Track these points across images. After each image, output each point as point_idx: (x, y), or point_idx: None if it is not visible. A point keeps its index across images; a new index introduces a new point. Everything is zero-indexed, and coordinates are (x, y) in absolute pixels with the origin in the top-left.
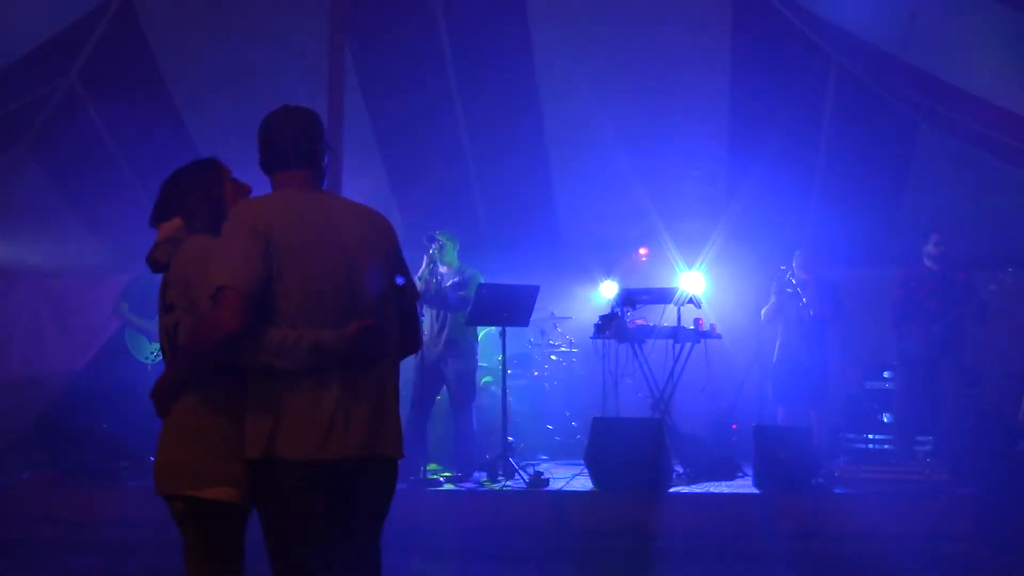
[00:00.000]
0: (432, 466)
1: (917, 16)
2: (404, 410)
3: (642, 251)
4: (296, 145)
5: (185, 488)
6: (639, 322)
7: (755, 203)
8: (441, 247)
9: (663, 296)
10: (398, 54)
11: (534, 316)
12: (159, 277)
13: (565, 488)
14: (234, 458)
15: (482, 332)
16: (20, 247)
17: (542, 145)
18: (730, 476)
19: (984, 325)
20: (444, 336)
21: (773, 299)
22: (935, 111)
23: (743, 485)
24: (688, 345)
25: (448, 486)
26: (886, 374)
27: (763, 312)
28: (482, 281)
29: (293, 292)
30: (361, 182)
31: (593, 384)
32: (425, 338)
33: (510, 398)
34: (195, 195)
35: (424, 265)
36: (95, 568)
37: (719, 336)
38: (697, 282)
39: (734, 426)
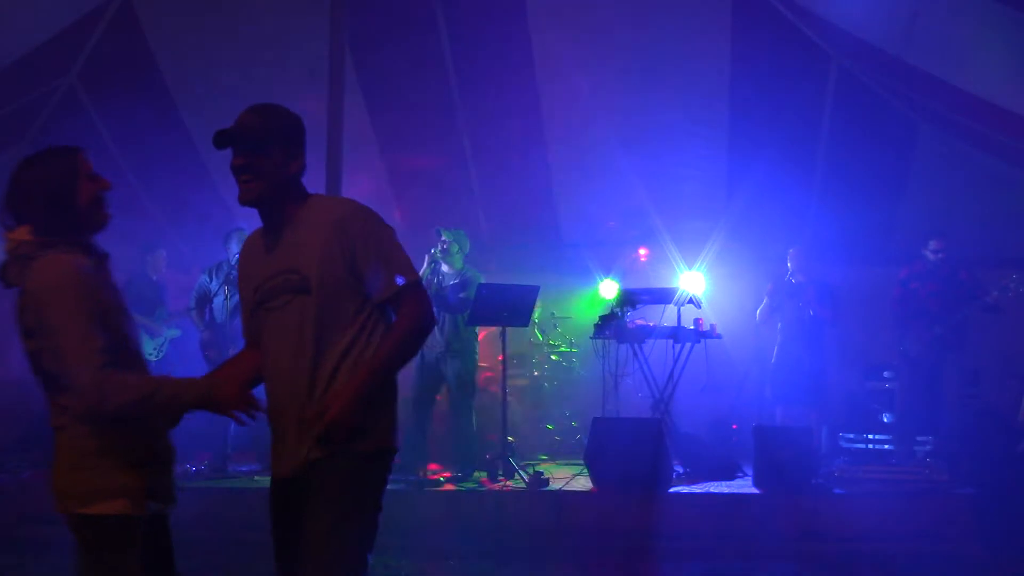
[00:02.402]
0: (432, 466)
1: (917, 16)
2: (404, 410)
3: (642, 251)
4: None
5: (76, 507)
6: (639, 322)
7: (755, 203)
8: (445, 248)
9: (663, 296)
10: (398, 54)
11: (534, 316)
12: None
13: (565, 488)
14: (123, 469)
15: None
16: None
17: (542, 145)
18: (730, 476)
19: (999, 312)
20: (444, 336)
21: (766, 299)
22: (935, 111)
23: (743, 485)
24: (688, 345)
25: (448, 486)
26: (886, 374)
27: (757, 312)
28: (482, 281)
29: None
30: (361, 182)
31: (593, 384)
32: None
33: (510, 398)
34: (42, 198)
35: (425, 264)
36: None
37: (719, 336)
38: (697, 282)
39: (734, 426)
